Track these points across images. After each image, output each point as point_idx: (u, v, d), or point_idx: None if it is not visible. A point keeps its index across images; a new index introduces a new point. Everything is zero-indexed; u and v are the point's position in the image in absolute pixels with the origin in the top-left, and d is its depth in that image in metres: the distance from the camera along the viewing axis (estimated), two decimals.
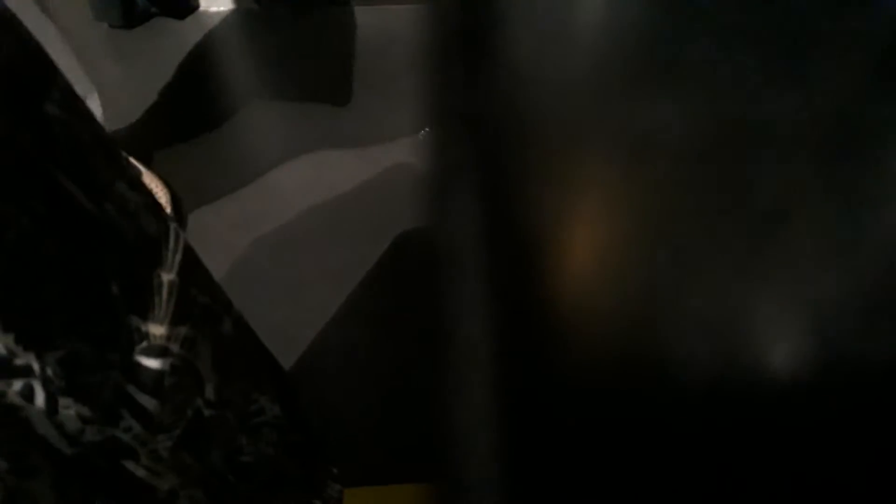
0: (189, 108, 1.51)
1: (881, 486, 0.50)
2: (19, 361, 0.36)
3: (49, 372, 0.37)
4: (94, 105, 1.11)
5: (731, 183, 0.63)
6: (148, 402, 0.45)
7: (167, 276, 0.46)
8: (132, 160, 1.35)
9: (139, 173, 1.31)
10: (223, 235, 1.31)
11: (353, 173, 1.39)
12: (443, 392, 0.66)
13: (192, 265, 0.51)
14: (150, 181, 1.34)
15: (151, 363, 0.45)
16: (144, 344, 0.44)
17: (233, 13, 1.67)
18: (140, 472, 0.43)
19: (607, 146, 0.69)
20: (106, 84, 1.44)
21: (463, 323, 0.65)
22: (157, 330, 0.45)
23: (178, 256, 0.48)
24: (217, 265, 1.25)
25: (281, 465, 0.60)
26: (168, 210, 1.32)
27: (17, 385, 0.36)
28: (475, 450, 0.58)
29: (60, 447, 0.37)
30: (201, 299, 0.49)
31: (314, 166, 1.40)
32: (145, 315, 0.44)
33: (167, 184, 1.36)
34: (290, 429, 0.61)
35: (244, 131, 1.47)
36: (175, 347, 0.46)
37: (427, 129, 1.15)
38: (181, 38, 1.61)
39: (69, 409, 0.38)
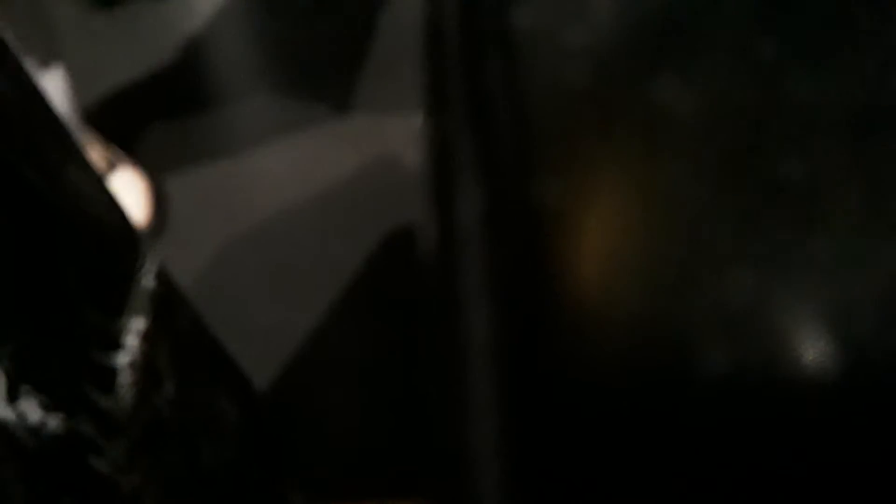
0: (173, 93, 1.55)
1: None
2: None
3: (5, 364, 0.38)
4: (60, 80, 1.13)
5: (751, 172, 0.64)
6: (104, 401, 0.46)
7: (122, 267, 0.47)
8: (112, 148, 1.37)
9: (107, 161, 1.33)
10: (207, 227, 1.35)
11: (346, 164, 1.42)
12: (445, 390, 0.68)
13: (148, 256, 0.52)
14: (131, 172, 1.36)
15: (109, 359, 0.47)
16: (101, 338, 0.46)
17: None
18: (104, 468, 0.45)
19: (619, 131, 0.69)
20: (85, 66, 1.46)
21: (466, 317, 0.66)
22: (113, 324, 0.47)
23: (135, 245, 0.49)
24: (200, 259, 1.30)
25: (242, 470, 0.62)
26: (149, 203, 1.34)
27: None
28: (480, 450, 0.60)
29: (23, 439, 0.39)
30: (159, 291, 0.50)
31: (305, 156, 1.44)
32: (102, 308, 0.46)
33: (152, 175, 1.38)
34: (252, 433, 0.63)
35: (231, 118, 1.51)
36: (132, 342, 0.48)
37: (425, 114, 1.17)
38: (164, 19, 1.64)
39: (30, 399, 0.40)
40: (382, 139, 1.41)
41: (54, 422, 0.41)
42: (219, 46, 1.63)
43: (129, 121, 1.49)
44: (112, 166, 1.34)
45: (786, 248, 0.60)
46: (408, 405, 1.05)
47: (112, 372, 0.46)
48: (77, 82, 1.19)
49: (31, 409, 0.40)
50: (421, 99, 1.14)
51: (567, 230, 0.66)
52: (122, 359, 0.47)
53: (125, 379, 0.47)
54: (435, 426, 0.73)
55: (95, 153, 1.32)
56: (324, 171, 1.41)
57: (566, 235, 0.66)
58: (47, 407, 0.41)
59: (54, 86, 1.14)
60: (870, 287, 0.57)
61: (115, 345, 0.47)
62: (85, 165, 0.46)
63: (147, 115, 1.50)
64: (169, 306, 0.53)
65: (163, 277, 0.53)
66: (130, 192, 1.32)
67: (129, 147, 1.43)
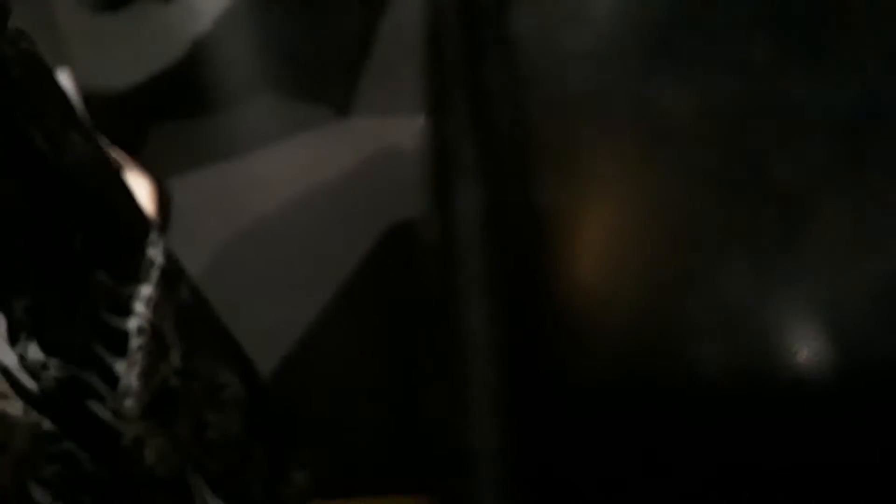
0: (176, 95, 1.55)
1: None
2: None
3: (17, 315, 0.40)
4: (65, 82, 1.14)
5: (748, 172, 0.64)
6: (114, 362, 0.48)
7: (125, 233, 0.49)
8: (116, 150, 1.38)
9: (106, 145, 1.33)
10: (210, 229, 1.35)
11: (347, 165, 1.42)
12: (445, 389, 0.68)
13: (149, 226, 0.54)
14: (135, 174, 1.36)
15: (118, 322, 0.48)
16: (111, 302, 0.47)
17: None
18: (106, 416, 0.46)
19: (617, 131, 0.70)
20: (89, 68, 1.47)
21: (466, 316, 0.67)
22: (122, 289, 0.48)
23: (140, 216, 0.51)
24: (203, 259, 1.30)
25: (247, 445, 0.63)
26: (153, 202, 1.34)
27: None
28: (478, 452, 0.60)
29: (24, 381, 0.41)
30: (159, 260, 0.52)
31: (306, 158, 1.44)
32: (109, 272, 0.47)
33: (155, 180, 1.38)
34: (254, 408, 0.64)
35: (233, 121, 1.51)
36: (140, 308, 0.49)
37: (426, 117, 1.17)
38: (168, 22, 1.64)
39: (31, 342, 0.41)
40: (384, 141, 1.41)
41: (55, 365, 0.42)
42: (222, 49, 1.63)
43: (134, 123, 1.50)
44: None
45: (781, 249, 0.60)
46: (409, 404, 1.06)
47: (124, 335, 0.48)
48: (82, 84, 1.20)
49: (33, 352, 0.41)
50: (422, 101, 1.15)
51: (566, 231, 0.67)
52: (133, 324, 0.49)
53: (136, 343, 0.48)
54: (435, 425, 0.73)
55: None
56: (325, 173, 1.41)
57: (565, 236, 0.67)
58: (48, 351, 0.42)
59: None
60: (863, 287, 0.58)
61: (127, 310, 0.48)
62: (87, 135, 0.47)
63: (151, 117, 1.51)
64: (173, 278, 0.54)
65: (167, 250, 0.54)
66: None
67: (134, 149, 1.44)
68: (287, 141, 1.46)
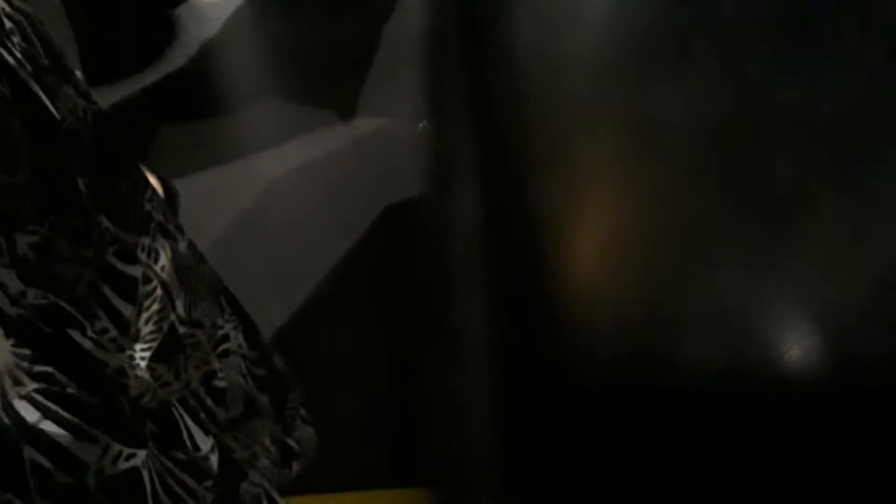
0: (180, 97, 1.58)
1: (887, 484, 0.52)
2: None
3: (20, 253, 0.42)
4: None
5: (740, 176, 0.64)
6: (123, 306, 0.50)
7: (125, 186, 0.50)
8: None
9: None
10: (215, 230, 1.38)
11: (350, 166, 1.44)
12: (440, 388, 0.68)
13: (144, 182, 0.57)
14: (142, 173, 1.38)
15: (125, 268, 0.51)
16: (117, 247, 0.49)
17: (226, 2, 1.72)
18: (87, 345, 0.47)
19: (614, 133, 0.70)
20: (97, 70, 1.48)
21: (463, 315, 0.68)
22: (125, 237, 0.50)
23: (132, 170, 0.52)
24: (209, 260, 1.30)
25: (252, 395, 0.64)
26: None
27: None
28: (474, 448, 0.62)
29: (4, 307, 0.42)
30: (157, 216, 0.54)
31: (310, 159, 1.46)
32: (112, 219, 0.49)
33: (162, 178, 1.40)
34: (256, 362, 0.65)
35: (239, 123, 1.54)
36: (143, 257, 0.51)
37: (426, 120, 1.18)
38: (175, 25, 1.67)
39: (10, 272, 0.42)
40: (386, 143, 1.43)
41: (34, 293, 0.43)
42: (228, 53, 1.66)
43: (141, 124, 1.52)
44: None
45: (778, 249, 0.60)
46: (407, 401, 1.06)
47: (132, 280, 0.50)
48: (90, 87, 1.21)
49: (12, 281, 0.42)
50: (423, 105, 1.16)
51: (565, 231, 0.67)
52: (138, 271, 0.51)
53: (143, 290, 0.50)
54: (434, 423, 0.73)
55: None
56: (328, 175, 1.43)
57: (564, 237, 0.67)
58: (25, 280, 0.43)
59: None
60: (855, 287, 0.58)
61: (133, 258, 0.50)
62: (80, 90, 0.49)
63: (158, 119, 1.53)
64: (170, 233, 0.56)
65: (163, 207, 0.56)
66: None
67: (141, 150, 1.46)
68: (290, 143, 1.49)
